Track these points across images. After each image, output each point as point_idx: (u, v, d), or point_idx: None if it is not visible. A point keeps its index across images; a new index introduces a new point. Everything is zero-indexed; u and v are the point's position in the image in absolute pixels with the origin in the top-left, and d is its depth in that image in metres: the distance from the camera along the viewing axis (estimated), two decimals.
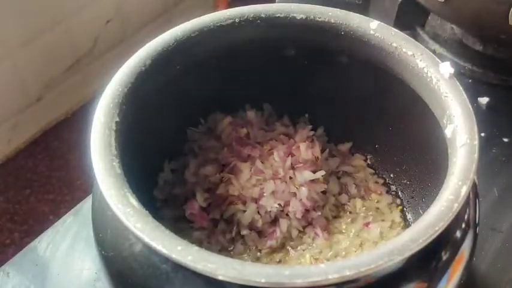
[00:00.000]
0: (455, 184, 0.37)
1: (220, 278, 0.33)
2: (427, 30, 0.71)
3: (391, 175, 0.55)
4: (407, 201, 0.53)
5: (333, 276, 0.33)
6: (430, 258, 0.37)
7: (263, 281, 0.32)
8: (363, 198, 0.54)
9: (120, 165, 0.38)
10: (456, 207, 0.36)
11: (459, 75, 0.44)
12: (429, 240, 0.34)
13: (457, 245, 0.40)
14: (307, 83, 0.53)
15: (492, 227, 0.55)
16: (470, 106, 0.41)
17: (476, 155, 0.38)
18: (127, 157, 0.40)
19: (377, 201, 0.54)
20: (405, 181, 0.53)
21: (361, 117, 0.53)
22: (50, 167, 1.11)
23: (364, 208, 0.53)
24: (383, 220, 0.52)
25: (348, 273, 0.33)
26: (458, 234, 0.39)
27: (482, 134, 0.42)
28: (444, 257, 0.38)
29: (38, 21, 1.02)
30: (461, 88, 0.42)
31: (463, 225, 0.40)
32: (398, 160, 0.53)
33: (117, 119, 0.41)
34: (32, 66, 1.05)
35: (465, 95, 0.42)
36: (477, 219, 0.42)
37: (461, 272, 0.40)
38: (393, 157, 0.54)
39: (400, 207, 0.53)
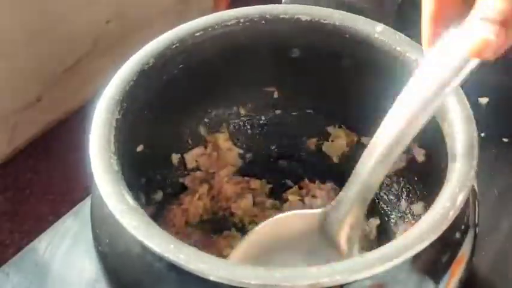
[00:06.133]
0: (452, 189, 0.37)
1: (211, 278, 0.33)
2: None
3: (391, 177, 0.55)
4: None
5: (324, 281, 0.33)
6: (429, 260, 0.37)
7: (253, 282, 0.32)
8: None
9: (118, 162, 0.38)
10: (452, 214, 0.35)
11: None
12: (423, 247, 0.34)
13: (457, 246, 0.40)
14: (309, 85, 0.53)
15: (492, 227, 0.55)
16: (469, 106, 0.41)
17: (475, 154, 0.38)
18: (126, 155, 0.40)
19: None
20: (405, 182, 0.53)
21: (360, 117, 0.53)
22: (50, 167, 1.10)
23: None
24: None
25: (339, 278, 0.33)
26: (458, 235, 0.39)
27: (482, 134, 0.42)
28: (444, 259, 0.38)
29: (38, 21, 1.02)
30: (461, 88, 0.42)
31: (463, 227, 0.40)
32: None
33: (118, 116, 0.41)
34: (31, 66, 1.05)
35: (465, 95, 0.42)
36: (477, 220, 0.42)
37: (461, 272, 0.40)
38: None
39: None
